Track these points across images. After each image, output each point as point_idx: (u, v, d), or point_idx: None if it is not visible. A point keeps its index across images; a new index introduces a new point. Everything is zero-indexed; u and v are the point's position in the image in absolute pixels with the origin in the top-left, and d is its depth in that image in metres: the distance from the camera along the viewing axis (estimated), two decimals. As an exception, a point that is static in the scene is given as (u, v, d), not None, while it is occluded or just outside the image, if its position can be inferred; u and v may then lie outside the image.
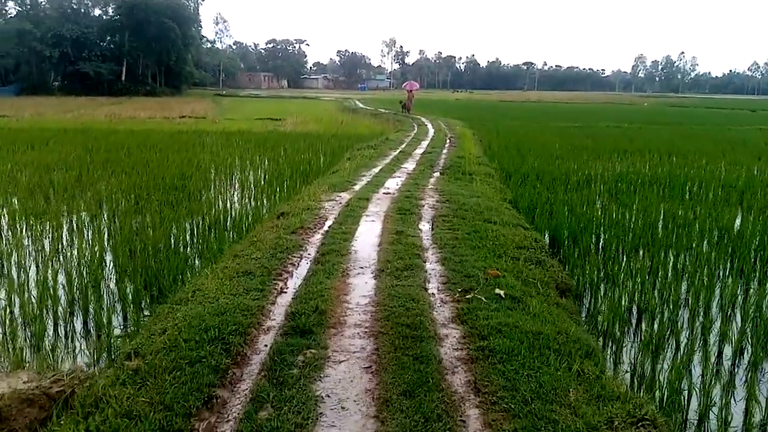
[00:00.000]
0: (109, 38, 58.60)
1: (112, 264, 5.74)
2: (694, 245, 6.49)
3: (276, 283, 4.27)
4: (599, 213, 8.07)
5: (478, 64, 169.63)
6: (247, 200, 9.55)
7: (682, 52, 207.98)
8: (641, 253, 6.33)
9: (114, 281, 5.28)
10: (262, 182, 11.04)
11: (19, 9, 57.28)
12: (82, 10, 59.48)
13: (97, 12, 61.00)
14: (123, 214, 7.96)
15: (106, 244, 6.39)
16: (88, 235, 6.88)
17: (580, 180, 11.12)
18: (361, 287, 4.18)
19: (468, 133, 19.01)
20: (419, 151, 13.92)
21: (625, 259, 6.23)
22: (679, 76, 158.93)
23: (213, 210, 8.14)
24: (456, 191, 8.35)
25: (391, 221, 6.25)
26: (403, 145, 15.25)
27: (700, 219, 7.61)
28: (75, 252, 6.08)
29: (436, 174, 10.35)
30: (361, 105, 46.57)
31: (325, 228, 6.00)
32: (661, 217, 7.85)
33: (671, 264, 5.94)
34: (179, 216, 7.69)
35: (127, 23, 58.20)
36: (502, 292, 4.05)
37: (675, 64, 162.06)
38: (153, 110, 33.98)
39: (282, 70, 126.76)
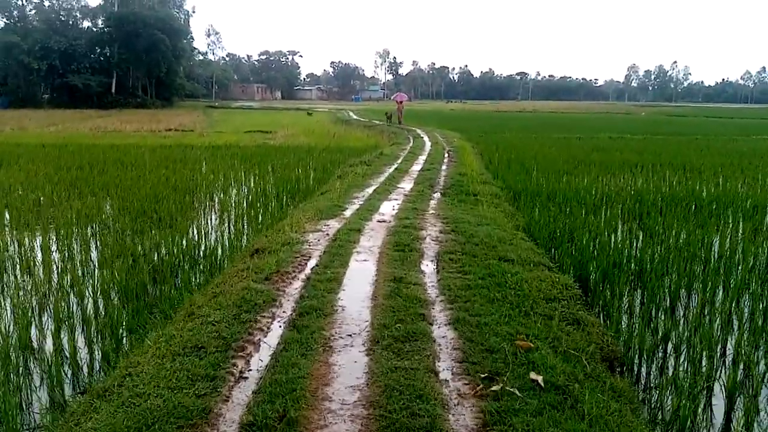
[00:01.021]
0: (98, 50, 57.66)
1: (36, 328, 4.60)
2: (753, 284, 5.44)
3: (234, 363, 3.18)
4: (627, 242, 7.03)
5: (472, 75, 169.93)
6: (225, 227, 8.47)
7: (675, 62, 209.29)
8: (693, 298, 5.27)
9: (30, 356, 4.16)
10: (245, 204, 9.96)
11: (7, 21, 56.23)
12: (71, 22, 58.54)
13: (86, 24, 60.09)
14: (81, 243, 6.86)
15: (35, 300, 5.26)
16: (24, 281, 5.76)
17: (596, 200, 10.10)
18: (349, 371, 3.09)
19: (467, 147, 18.02)
20: (416, 167, 12.88)
21: (679, 306, 5.15)
22: (672, 86, 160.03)
23: (183, 241, 7.04)
24: (461, 217, 7.29)
25: (387, 261, 5.18)
26: (399, 161, 14.21)
27: (747, 250, 6.57)
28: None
29: (437, 195, 9.30)
30: (354, 116, 45.68)
31: (307, 271, 4.91)
32: (700, 246, 6.81)
33: (726, 305, 4.90)
34: (143, 251, 6.60)
35: (117, 35, 57.28)
36: (540, 379, 2.98)
37: (668, 74, 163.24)
38: (140, 123, 32.92)
39: (275, 82, 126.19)
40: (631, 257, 6.32)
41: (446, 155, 15.79)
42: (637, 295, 5.37)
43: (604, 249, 6.58)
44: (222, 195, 10.92)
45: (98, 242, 7.08)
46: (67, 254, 6.62)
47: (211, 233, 7.83)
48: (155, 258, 6.33)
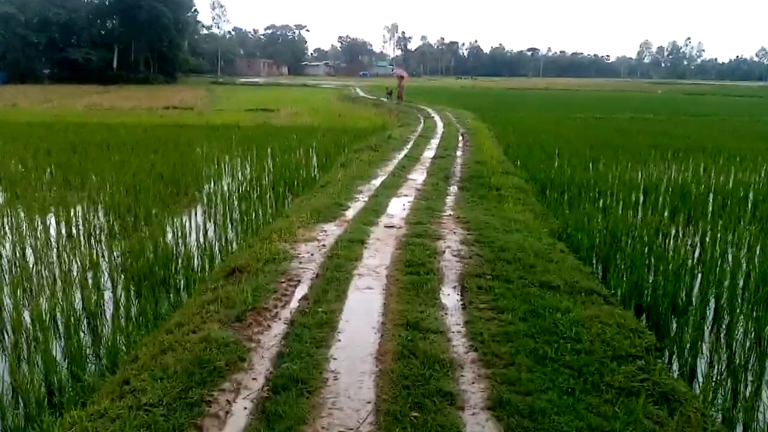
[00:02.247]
0: (98, 23, 55.99)
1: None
2: None
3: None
4: (690, 253, 5.83)
5: (482, 50, 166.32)
6: (210, 229, 7.33)
7: (689, 38, 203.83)
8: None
9: None
10: (236, 198, 8.79)
11: (4, -9, 54.59)
12: (70, -7, 56.75)
13: (85, -5, 58.31)
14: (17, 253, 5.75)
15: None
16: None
17: (635, 194, 8.85)
18: None
19: (482, 129, 16.69)
20: (429, 153, 11.61)
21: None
22: (685, 62, 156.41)
23: (157, 250, 5.89)
24: (485, 221, 6.10)
25: (396, 291, 4.02)
26: (409, 145, 12.95)
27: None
28: None
29: (454, 189, 8.09)
30: (362, 93, 44.11)
31: (293, 306, 3.77)
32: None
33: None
34: (107, 267, 5.49)
35: (117, 7, 55.58)
36: None
37: (681, 50, 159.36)
38: (139, 99, 31.69)
39: (282, 57, 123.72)
40: (700, 274, 5.12)
41: (460, 138, 14.49)
42: (722, 346, 4.15)
43: (661, 263, 5.38)
44: (212, 186, 9.75)
45: (61, 252, 5.94)
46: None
47: (191, 237, 6.68)
48: (115, 278, 5.21)
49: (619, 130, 18.67)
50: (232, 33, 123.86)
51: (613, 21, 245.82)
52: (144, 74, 58.96)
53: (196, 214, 8.04)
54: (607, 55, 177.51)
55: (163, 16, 55.75)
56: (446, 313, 3.72)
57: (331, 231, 5.72)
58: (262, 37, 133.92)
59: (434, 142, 13.55)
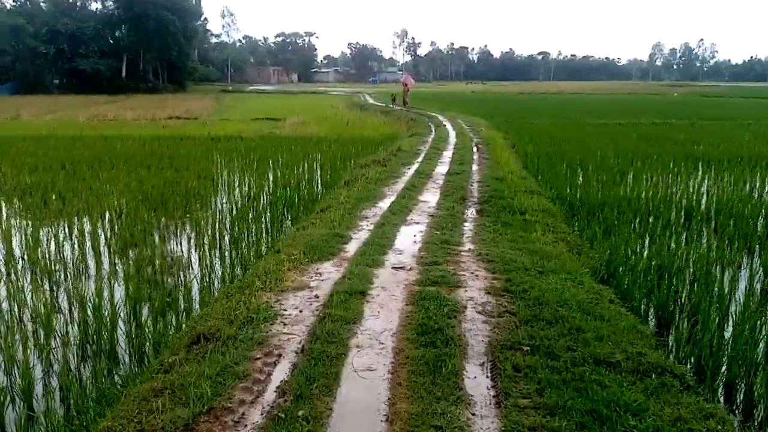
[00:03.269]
0: (107, 33, 55.81)
1: None
2: None
3: None
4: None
5: (492, 55, 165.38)
6: (194, 259, 6.41)
7: (701, 39, 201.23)
8: None
9: None
10: (227, 223, 7.86)
11: (13, 3, 54.68)
12: (78, 4, 56.75)
13: (94, 6, 58.29)
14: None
15: None
16: None
17: (676, 215, 7.78)
18: None
19: (497, 138, 15.65)
20: (441, 168, 10.60)
21: None
22: (697, 64, 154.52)
23: (113, 306, 4.97)
24: (512, 258, 5.09)
25: (406, 379, 3.02)
26: (420, 158, 11.96)
27: None
28: None
29: (472, 213, 7.08)
30: (371, 100, 43.27)
31: (264, 407, 2.79)
32: None
33: None
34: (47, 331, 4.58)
35: (126, 17, 55.41)
36: None
37: (694, 52, 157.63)
38: (144, 110, 31.08)
39: (292, 64, 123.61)
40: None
41: (475, 150, 13.48)
42: None
43: (733, 313, 4.34)
44: (204, 207, 8.84)
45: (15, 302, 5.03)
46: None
47: (166, 280, 5.74)
48: (53, 344, 4.28)
49: (644, 137, 17.55)
50: (243, 41, 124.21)
51: (624, 23, 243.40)
52: (153, 83, 58.75)
53: (180, 243, 7.12)
54: (618, 58, 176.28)
55: (171, 25, 55.51)
56: (474, 414, 2.72)
57: (328, 274, 4.75)
58: (272, 44, 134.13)
59: (447, 155, 12.55)
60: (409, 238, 5.84)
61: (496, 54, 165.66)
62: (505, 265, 4.91)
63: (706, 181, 10.99)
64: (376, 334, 3.54)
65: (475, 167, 10.77)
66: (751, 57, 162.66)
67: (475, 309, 3.94)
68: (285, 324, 3.71)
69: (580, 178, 10.91)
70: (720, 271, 5.59)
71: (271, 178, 11.36)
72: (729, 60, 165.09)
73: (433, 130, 18.74)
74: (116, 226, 7.55)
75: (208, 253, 6.51)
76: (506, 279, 4.56)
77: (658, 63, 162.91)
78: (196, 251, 6.72)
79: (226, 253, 6.72)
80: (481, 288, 4.39)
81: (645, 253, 6.02)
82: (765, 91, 65.66)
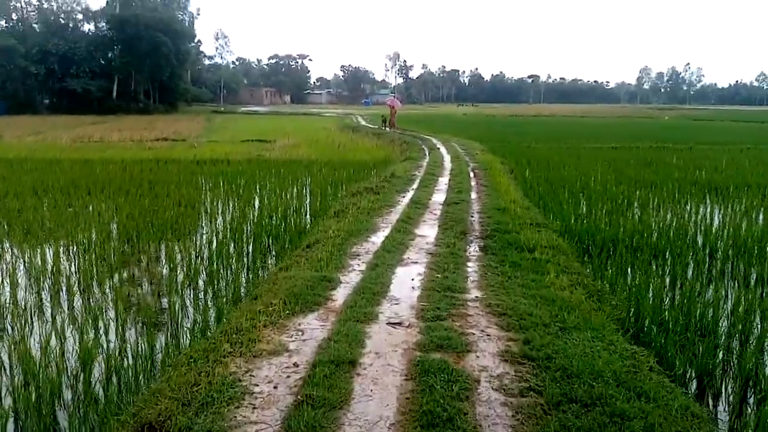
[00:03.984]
0: (99, 54, 55.32)
1: None
2: None
3: None
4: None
5: (482, 78, 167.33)
6: (163, 307, 5.65)
7: (688, 63, 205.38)
8: None
9: None
10: (205, 258, 7.11)
11: (6, 25, 54.19)
12: (71, 25, 56.39)
13: (86, 27, 57.95)
14: None
15: None
16: None
17: (698, 253, 7.13)
18: None
19: (494, 163, 15.07)
20: (438, 197, 9.94)
21: None
22: (684, 87, 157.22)
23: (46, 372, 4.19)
24: (527, 310, 4.40)
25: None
26: (415, 185, 11.30)
27: None
28: None
29: (475, 251, 6.39)
30: (363, 122, 42.89)
31: None
32: None
33: None
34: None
35: (118, 38, 55.09)
36: None
37: (680, 75, 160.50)
38: (132, 131, 30.38)
39: (285, 86, 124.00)
40: None
41: (472, 175, 12.87)
42: None
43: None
44: (179, 241, 8.07)
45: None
46: None
47: (126, 336, 4.96)
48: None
49: (644, 163, 17.07)
50: (236, 63, 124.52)
51: (612, 47, 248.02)
52: (144, 104, 58.20)
53: (149, 284, 6.35)
54: (607, 81, 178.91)
55: (164, 46, 55.17)
56: None
57: (311, 332, 4.01)
58: (265, 66, 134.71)
59: (443, 181, 11.91)
60: (406, 283, 5.12)
61: (487, 77, 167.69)
62: (520, 320, 4.20)
63: (717, 211, 10.40)
64: (369, 425, 2.80)
65: (473, 195, 10.12)
66: (737, 81, 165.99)
67: (491, 385, 3.21)
68: (254, 407, 2.97)
69: (584, 208, 10.30)
70: (757, 317, 4.92)
71: (257, 206, 10.66)
72: (715, 84, 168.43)
73: (427, 154, 18.17)
74: (80, 263, 6.79)
75: (179, 296, 5.75)
76: (524, 340, 3.85)
77: (646, 86, 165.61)
78: (165, 294, 5.96)
79: (201, 295, 5.97)
80: (495, 353, 3.67)
81: (670, 297, 5.34)
82: (752, 115, 66.21)
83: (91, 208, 9.87)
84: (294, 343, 3.83)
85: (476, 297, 4.75)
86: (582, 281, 5.54)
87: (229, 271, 6.68)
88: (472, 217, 8.14)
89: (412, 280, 5.23)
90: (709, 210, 10.44)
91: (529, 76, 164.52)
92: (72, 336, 4.86)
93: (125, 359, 4.32)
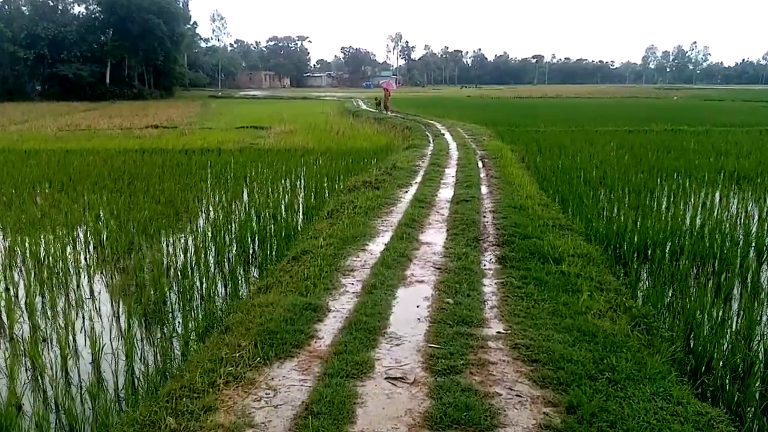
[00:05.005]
0: (90, 37, 53.81)
1: None
2: None
3: None
4: None
5: (486, 59, 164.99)
6: (114, 345, 4.70)
7: (694, 42, 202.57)
8: None
9: None
10: (179, 271, 6.15)
11: (-5, 8, 52.74)
12: (60, 7, 54.80)
13: (77, 9, 56.35)
14: None
15: None
16: None
17: (752, 263, 6.13)
18: None
19: (504, 151, 14.00)
20: (445, 193, 8.91)
21: None
22: (690, 67, 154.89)
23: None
24: (563, 351, 3.44)
25: None
26: (418, 178, 10.28)
27: None
28: None
29: (491, 262, 5.40)
30: (363, 106, 41.62)
31: None
32: None
33: None
34: None
35: (109, 21, 53.56)
36: None
37: (687, 54, 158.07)
38: (123, 117, 29.28)
39: (284, 69, 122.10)
40: None
41: (481, 165, 11.82)
42: None
43: None
44: (151, 249, 7.10)
45: None
46: None
47: (57, 390, 3.99)
48: None
49: (663, 147, 15.95)
50: (234, 46, 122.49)
51: (618, 26, 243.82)
52: (138, 89, 56.88)
53: (98, 309, 5.38)
54: (612, 61, 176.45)
55: (157, 29, 53.69)
56: None
57: (285, 393, 3.05)
58: (264, 49, 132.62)
59: (450, 173, 10.87)
60: (410, 312, 4.15)
61: (490, 57, 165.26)
62: (557, 369, 3.23)
63: (752, 203, 9.38)
64: None
65: (484, 190, 9.09)
66: (743, 59, 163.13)
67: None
68: None
69: (606, 202, 9.29)
70: None
71: (244, 202, 9.68)
72: (721, 62, 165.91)
73: (431, 141, 17.09)
74: (25, 281, 5.83)
75: (135, 326, 4.80)
76: (568, 405, 2.88)
77: (652, 66, 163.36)
78: (119, 322, 4.99)
79: (166, 322, 5.02)
80: (530, 428, 2.70)
81: (737, 329, 4.37)
82: (762, 94, 64.57)
83: (59, 208, 8.89)
84: (262, 413, 2.87)
85: (498, 333, 3.78)
86: (621, 302, 4.55)
87: (201, 287, 5.73)
88: (484, 217, 7.13)
89: (417, 307, 4.25)
90: (743, 203, 9.43)
91: (533, 57, 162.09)
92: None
93: None
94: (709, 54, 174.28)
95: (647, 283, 5.76)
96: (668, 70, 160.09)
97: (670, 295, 5.23)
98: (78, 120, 28.24)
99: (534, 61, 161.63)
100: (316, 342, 3.68)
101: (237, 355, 3.42)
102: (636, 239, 6.77)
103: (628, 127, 22.53)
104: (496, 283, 4.80)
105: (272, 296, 4.50)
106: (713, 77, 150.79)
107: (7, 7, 52.77)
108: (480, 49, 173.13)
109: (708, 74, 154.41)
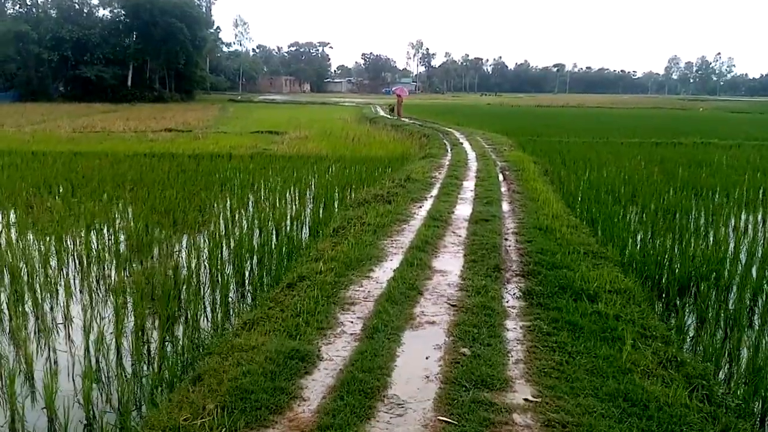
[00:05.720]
0: (113, 40, 54.29)
1: None
2: None
3: None
4: None
5: (506, 66, 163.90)
6: (73, 391, 4.09)
7: (719, 53, 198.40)
8: None
9: None
10: (167, 293, 5.53)
11: (20, 11, 53.42)
12: (85, 11, 55.46)
13: (101, 13, 56.95)
14: None
15: None
16: None
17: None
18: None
19: (526, 163, 13.21)
20: (463, 210, 8.18)
21: None
22: (714, 78, 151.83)
23: None
24: (604, 429, 2.68)
25: None
26: (434, 192, 9.57)
27: None
28: None
29: (515, 299, 4.67)
30: (381, 112, 41.04)
31: None
32: None
33: None
34: None
35: (132, 24, 54.00)
36: None
37: (710, 65, 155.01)
38: (139, 120, 29.10)
39: (305, 74, 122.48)
40: None
41: (502, 179, 11.07)
42: None
43: None
44: (142, 265, 6.51)
45: None
46: None
47: None
48: None
49: (695, 162, 15.01)
50: (256, 50, 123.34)
51: (640, 36, 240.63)
52: (159, 92, 57.19)
53: (68, 340, 4.77)
54: (634, 71, 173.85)
55: (180, 33, 53.95)
56: None
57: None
58: (285, 54, 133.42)
59: (468, 187, 10.14)
60: (417, 367, 3.44)
61: (511, 65, 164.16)
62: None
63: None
64: None
65: (506, 207, 8.35)
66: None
67: None
68: None
69: (638, 223, 8.49)
70: None
71: (248, 213, 9.09)
72: (746, 74, 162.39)
73: (449, 150, 16.37)
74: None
75: (105, 365, 4.18)
76: None
77: (675, 76, 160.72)
78: (89, 354, 4.38)
79: (140, 357, 4.39)
80: None
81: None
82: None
83: (51, 216, 8.39)
84: None
85: (525, 401, 3.06)
86: (672, 356, 3.79)
87: (186, 318, 5.10)
88: (506, 240, 6.40)
89: (427, 359, 3.55)
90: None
91: (554, 65, 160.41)
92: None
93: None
94: (734, 65, 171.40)
95: (694, 323, 4.99)
96: (691, 81, 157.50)
97: (727, 343, 4.44)
98: (95, 122, 28.14)
99: (555, 69, 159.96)
100: (299, 406, 3.00)
101: (198, 423, 2.75)
102: (678, 269, 5.98)
103: (655, 140, 21.53)
104: (521, 327, 4.07)
105: (256, 336, 3.83)
106: (737, 89, 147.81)
107: (34, 10, 53.52)
108: (500, 57, 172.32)
109: (732, 86, 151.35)
